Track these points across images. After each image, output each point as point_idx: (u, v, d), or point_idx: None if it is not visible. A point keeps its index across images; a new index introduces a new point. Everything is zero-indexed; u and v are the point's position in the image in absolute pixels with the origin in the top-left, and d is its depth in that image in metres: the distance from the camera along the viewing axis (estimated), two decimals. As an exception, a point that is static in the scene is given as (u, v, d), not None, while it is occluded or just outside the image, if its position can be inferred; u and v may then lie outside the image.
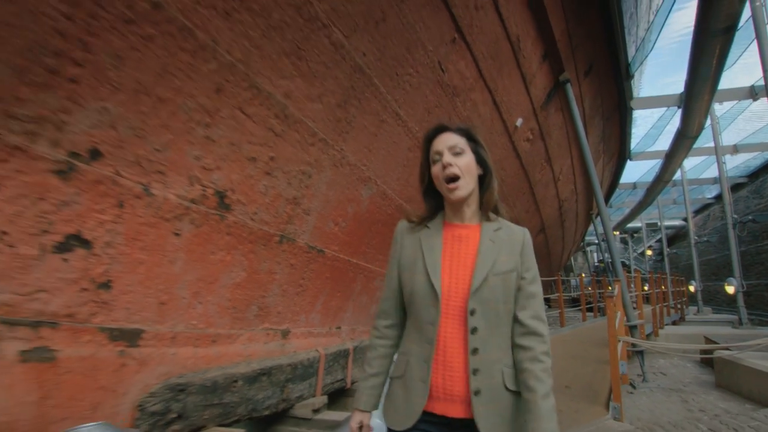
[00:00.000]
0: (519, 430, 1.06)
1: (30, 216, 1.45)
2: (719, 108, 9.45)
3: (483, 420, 1.04)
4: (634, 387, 5.12)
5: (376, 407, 1.22)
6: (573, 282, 19.59)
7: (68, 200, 1.55)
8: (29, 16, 1.36)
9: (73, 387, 1.56)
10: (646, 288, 12.06)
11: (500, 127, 5.36)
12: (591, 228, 15.08)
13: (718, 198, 15.71)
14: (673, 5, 6.23)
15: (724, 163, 9.59)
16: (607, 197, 15.26)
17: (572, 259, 25.91)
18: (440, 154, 1.15)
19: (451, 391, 1.09)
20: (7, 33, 1.33)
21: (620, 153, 11.61)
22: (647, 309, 8.27)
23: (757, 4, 4.96)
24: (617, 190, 15.41)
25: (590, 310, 11.41)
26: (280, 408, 2.73)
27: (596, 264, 29.01)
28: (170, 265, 1.96)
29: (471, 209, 1.18)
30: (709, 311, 14.19)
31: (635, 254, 26.65)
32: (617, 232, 25.61)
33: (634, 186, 15.90)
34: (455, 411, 1.08)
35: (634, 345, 5.06)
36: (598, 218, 11.26)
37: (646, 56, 8.09)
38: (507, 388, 1.08)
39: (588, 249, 28.25)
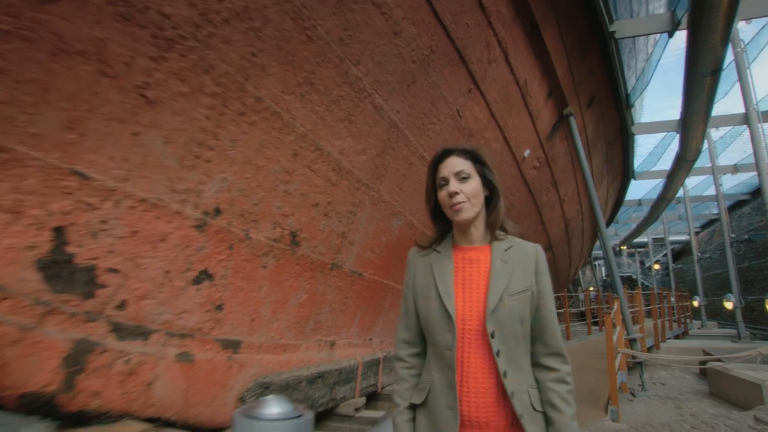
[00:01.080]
0: None
1: (181, 259, 2.05)
2: (716, 132, 9.97)
3: None
4: (633, 395, 5.59)
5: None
6: (581, 296, 19.91)
7: (201, 246, 2.15)
8: (189, 123, 1.97)
9: (203, 381, 2.14)
10: (650, 304, 12.46)
11: (510, 158, 5.94)
12: (599, 242, 15.50)
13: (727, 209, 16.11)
14: (667, 43, 6.80)
15: (721, 185, 10.07)
16: (613, 214, 15.72)
17: (580, 272, 26.25)
18: (446, 180, 1.15)
19: (477, 417, 1.07)
20: (175, 135, 1.95)
21: (624, 173, 12.14)
22: (650, 323, 8.71)
23: (738, 50, 5.54)
24: (623, 206, 15.84)
25: (597, 323, 11.82)
26: (329, 406, 3.29)
27: (604, 278, 29.29)
28: (258, 290, 2.55)
29: (479, 231, 1.18)
30: (715, 325, 14.51)
31: (642, 268, 26.92)
32: (624, 247, 25.91)
33: (639, 203, 16.36)
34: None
35: (633, 357, 5.56)
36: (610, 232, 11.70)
37: (646, 86, 8.65)
38: (535, 409, 1.07)
39: (596, 263, 28.53)
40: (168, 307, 1.98)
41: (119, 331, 1.76)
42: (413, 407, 1.17)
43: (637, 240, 24.41)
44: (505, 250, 1.15)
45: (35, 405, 1.46)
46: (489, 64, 4.53)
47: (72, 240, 1.59)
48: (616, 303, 5.29)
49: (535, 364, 1.11)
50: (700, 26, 5.29)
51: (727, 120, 9.04)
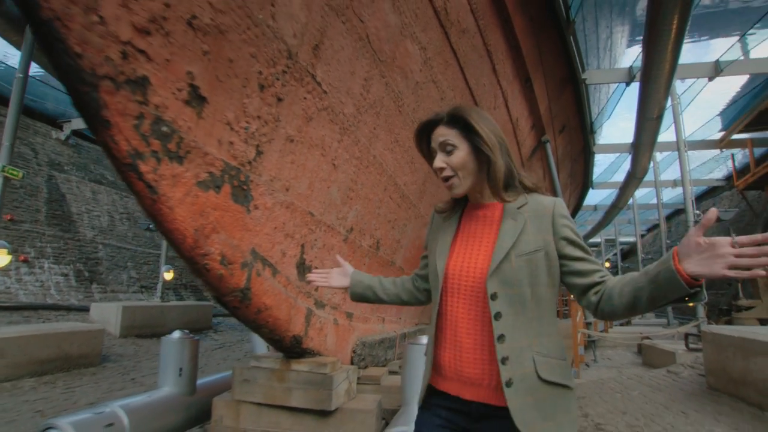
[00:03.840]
0: (559, 428, 0.98)
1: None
2: (660, 155, 11.89)
3: (519, 414, 0.97)
4: (587, 366, 7.25)
5: (352, 286, 1.40)
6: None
7: (345, 251, 3.43)
8: (347, 176, 3.25)
9: (341, 337, 3.44)
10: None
11: (500, 177, 7.39)
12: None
13: (666, 219, 18.45)
14: (624, 90, 8.47)
15: (662, 200, 12.05)
16: (573, 215, 17.75)
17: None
18: (434, 152, 1.13)
19: (461, 372, 1.06)
20: (341, 185, 3.22)
21: (584, 183, 14.01)
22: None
23: (675, 102, 7.27)
24: (581, 211, 17.86)
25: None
26: (384, 363, 4.63)
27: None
28: (359, 279, 3.86)
29: (486, 192, 1.13)
30: (653, 316, 16.83)
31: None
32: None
33: (595, 208, 18.49)
34: (470, 394, 1.05)
35: (589, 336, 7.21)
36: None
37: (608, 118, 10.37)
38: (541, 378, 1.00)
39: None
40: (330, 290, 3.26)
41: (317, 304, 3.03)
42: (392, 284, 1.40)
43: (591, 240, 26.90)
44: (518, 208, 1.08)
45: (294, 341, 2.71)
46: (494, 110, 5.94)
47: (306, 251, 2.84)
48: (578, 294, 6.90)
49: (591, 297, 1.03)
50: (648, 81, 6.91)
51: (668, 146, 10.94)
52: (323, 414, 2.79)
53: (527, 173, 1.16)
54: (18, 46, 6.49)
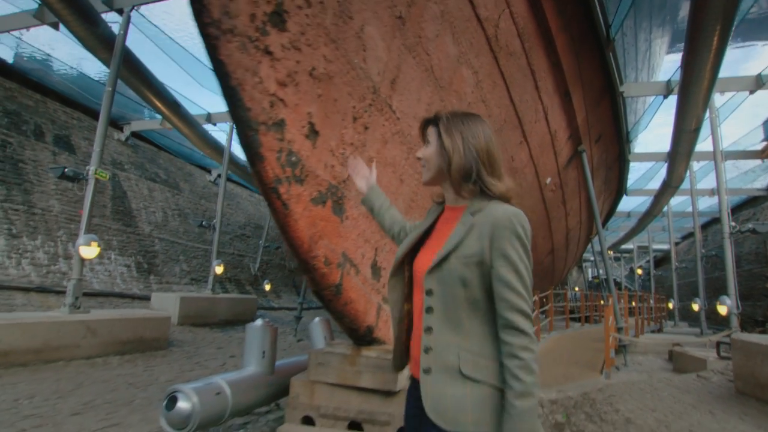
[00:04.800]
0: (474, 425, 1.00)
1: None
2: (696, 164, 11.87)
3: (429, 400, 1.05)
4: (618, 369, 7.49)
5: (367, 197, 1.62)
6: (568, 294, 21.90)
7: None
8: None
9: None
10: (633, 303, 14.43)
11: (536, 185, 7.71)
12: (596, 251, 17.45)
13: (702, 227, 18.20)
14: (662, 103, 8.62)
15: (702, 209, 12.01)
16: (605, 223, 17.72)
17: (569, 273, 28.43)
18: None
19: (416, 357, 1.15)
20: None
21: (618, 190, 14.07)
22: (632, 319, 10.66)
23: (713, 115, 7.41)
24: (613, 217, 17.82)
25: (578, 320, 12.85)
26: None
27: (590, 279, 31.53)
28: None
29: (450, 193, 1.20)
30: (685, 325, 16.66)
31: (626, 273, 29.19)
32: (611, 252, 28.04)
33: (629, 215, 18.38)
34: (418, 373, 1.13)
35: (620, 340, 7.44)
36: (596, 239, 13.51)
37: (644, 128, 10.49)
38: (462, 373, 1.03)
39: (584, 264, 30.71)
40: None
41: (385, 300, 3.49)
42: (390, 216, 1.61)
43: (623, 246, 26.59)
44: (472, 213, 1.11)
45: (368, 331, 3.18)
46: (535, 123, 6.28)
47: (378, 254, 3.31)
48: (610, 299, 7.15)
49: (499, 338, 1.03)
50: (686, 96, 7.09)
51: (707, 156, 10.95)
52: (388, 394, 3.25)
53: (503, 182, 1.15)
54: (106, 63, 7.23)
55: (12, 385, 4.24)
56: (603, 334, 6.88)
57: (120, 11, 6.84)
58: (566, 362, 6.60)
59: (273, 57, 1.97)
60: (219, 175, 15.03)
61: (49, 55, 9.42)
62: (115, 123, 12.00)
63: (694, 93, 6.73)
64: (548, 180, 8.04)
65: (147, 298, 8.90)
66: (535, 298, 7.61)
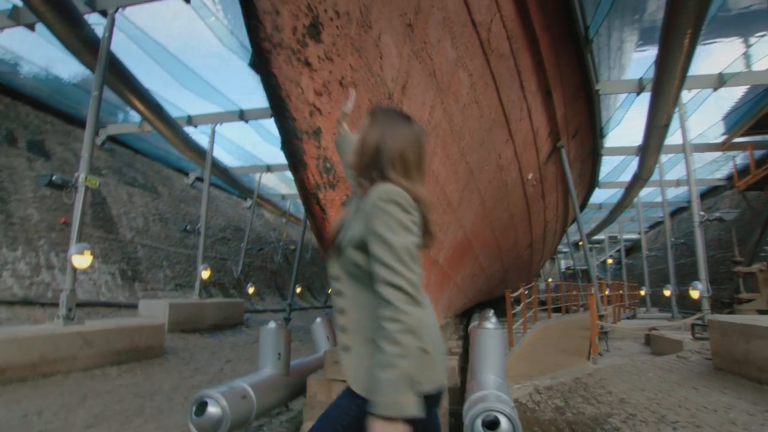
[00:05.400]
0: (366, 392, 1.06)
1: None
2: (664, 157, 12.50)
3: (351, 374, 1.16)
4: (600, 355, 7.86)
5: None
6: (542, 286, 22.50)
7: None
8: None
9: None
10: (608, 292, 15.03)
11: (519, 181, 7.99)
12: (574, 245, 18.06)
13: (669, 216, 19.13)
14: (634, 100, 9.07)
15: (667, 199, 12.65)
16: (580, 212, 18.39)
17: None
18: None
19: None
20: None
21: (591, 183, 14.63)
22: (610, 307, 11.15)
23: (682, 111, 7.89)
24: (586, 209, 18.49)
25: (557, 310, 12.70)
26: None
27: (563, 270, 32.53)
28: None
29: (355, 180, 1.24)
30: (656, 311, 17.50)
31: (598, 263, 30.28)
32: (581, 243, 29.02)
33: (600, 206, 19.11)
34: None
35: (602, 327, 7.81)
36: (576, 232, 14.05)
37: (617, 124, 10.96)
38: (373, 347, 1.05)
39: (556, 257, 31.65)
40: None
41: None
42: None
43: (595, 237, 27.56)
44: (360, 200, 1.15)
45: None
46: (519, 122, 6.52)
47: None
48: (592, 289, 7.50)
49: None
50: (659, 94, 7.50)
51: (674, 149, 11.54)
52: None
53: (414, 186, 1.15)
54: (89, 66, 7.03)
55: (16, 402, 4.16)
56: (585, 323, 7.22)
57: (104, 13, 6.67)
58: (554, 350, 6.89)
59: (311, 68, 2.07)
60: (197, 178, 14.78)
61: (19, 56, 9.07)
62: (89, 127, 11.62)
63: (666, 91, 7.14)
64: (530, 175, 8.34)
65: (134, 306, 8.73)
66: (521, 290, 7.90)
